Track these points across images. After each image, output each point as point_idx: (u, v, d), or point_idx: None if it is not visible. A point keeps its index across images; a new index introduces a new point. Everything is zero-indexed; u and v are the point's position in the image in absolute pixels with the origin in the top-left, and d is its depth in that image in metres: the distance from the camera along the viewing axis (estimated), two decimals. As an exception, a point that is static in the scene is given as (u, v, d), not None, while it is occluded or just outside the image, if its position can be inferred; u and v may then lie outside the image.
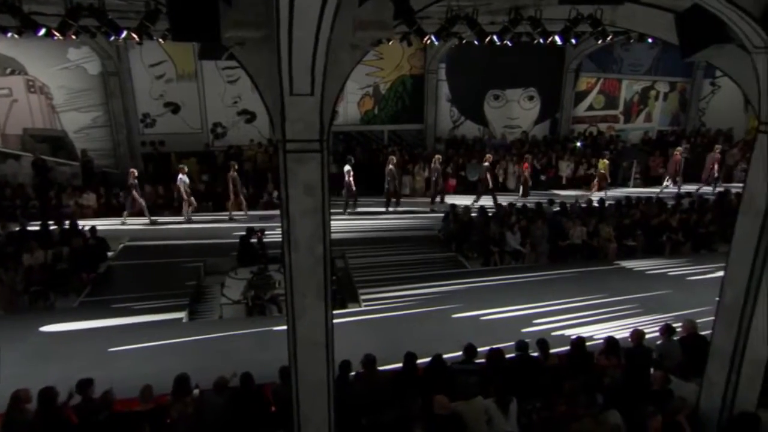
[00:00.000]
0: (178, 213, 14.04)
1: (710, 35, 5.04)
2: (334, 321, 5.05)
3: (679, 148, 16.30)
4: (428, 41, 10.72)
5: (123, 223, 13.48)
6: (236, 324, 9.11)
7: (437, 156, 15.41)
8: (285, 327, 4.87)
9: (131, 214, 13.59)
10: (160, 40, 11.79)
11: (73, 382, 5.88)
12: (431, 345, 7.36)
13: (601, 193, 15.47)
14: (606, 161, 16.24)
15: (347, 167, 14.37)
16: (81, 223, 12.05)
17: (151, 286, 10.12)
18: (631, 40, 15.43)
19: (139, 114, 16.48)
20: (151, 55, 15.98)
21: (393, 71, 17.99)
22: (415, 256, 11.94)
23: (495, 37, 9.85)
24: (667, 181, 16.03)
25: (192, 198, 13.81)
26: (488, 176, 14.92)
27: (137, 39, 9.38)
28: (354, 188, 14.36)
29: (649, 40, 15.36)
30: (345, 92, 17.58)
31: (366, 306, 9.69)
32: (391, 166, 14.54)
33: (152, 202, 14.48)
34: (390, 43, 13.42)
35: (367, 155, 17.36)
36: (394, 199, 14.92)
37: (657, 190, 15.85)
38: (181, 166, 13.97)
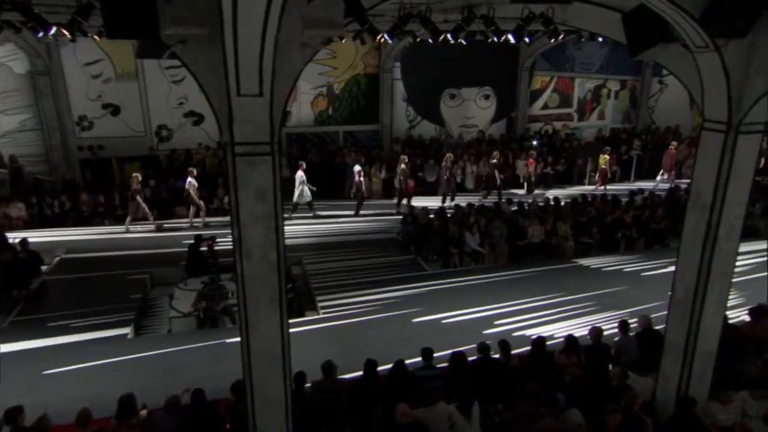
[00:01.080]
0: (121, 222, 13.52)
1: (655, 34, 5.30)
2: (291, 330, 5.00)
3: (674, 143, 17.37)
4: (382, 40, 10.78)
5: (127, 231, 13.20)
6: (187, 338, 8.84)
7: (403, 157, 15.52)
8: (239, 339, 4.77)
9: (134, 221, 13.40)
10: (95, 37, 11.31)
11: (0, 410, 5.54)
12: (392, 351, 7.39)
13: (602, 189, 16.24)
14: (606, 156, 17.01)
15: (357, 167, 14.87)
16: (10, 235, 11.39)
17: (91, 302, 9.67)
18: (583, 39, 16.05)
19: (74, 116, 15.74)
20: (87, 53, 15.31)
21: (347, 70, 17.97)
22: (373, 260, 11.96)
23: (449, 36, 10.01)
24: (662, 175, 17.03)
25: (201, 202, 13.60)
26: (495, 172, 15.82)
27: (69, 36, 8.95)
28: (363, 189, 14.81)
29: (600, 39, 16.00)
30: (297, 92, 17.46)
31: (324, 313, 9.62)
32: (403, 165, 14.98)
33: (92, 211, 13.87)
34: (343, 41, 13.42)
35: (322, 157, 17.26)
36: (405, 199, 15.23)
37: (652, 184, 16.61)
38: (190, 168, 13.76)
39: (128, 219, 13.33)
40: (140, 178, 13.36)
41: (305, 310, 9.91)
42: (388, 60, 17.83)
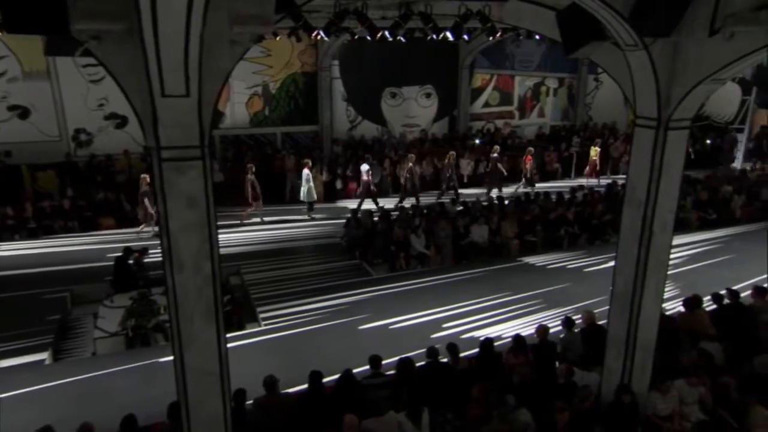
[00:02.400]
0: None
1: (588, 32, 5.58)
2: (230, 345, 4.88)
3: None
4: (318, 37, 10.73)
5: (139, 233, 13.14)
6: (115, 359, 8.42)
7: (411, 155, 16.03)
8: (173, 357, 4.60)
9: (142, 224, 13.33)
10: (-3, 31, 10.60)
11: None
12: (339, 360, 7.38)
13: (594, 181, 17.03)
14: (597, 149, 17.79)
15: (366, 166, 15.10)
16: None
17: (1, 326, 9.02)
18: (521, 37, 16.69)
19: (-27, 120, 14.66)
20: (-13, 49, 14.31)
21: (283, 69, 17.77)
22: (317, 267, 11.88)
23: (387, 33, 10.11)
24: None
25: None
26: (498, 166, 16.62)
27: (-37, 30, 8.32)
28: (374, 188, 15.20)
29: (537, 37, 16.66)
30: (230, 92, 17.08)
31: (266, 325, 9.45)
32: (410, 164, 15.56)
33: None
34: (277, 38, 13.24)
35: (260, 160, 16.93)
36: (412, 197, 15.72)
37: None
38: (249, 165, 14.00)
39: (142, 226, 13.25)
40: (148, 179, 12.91)
41: (245, 322, 9.69)
42: (325, 58, 17.77)
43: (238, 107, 17.52)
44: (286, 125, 18.25)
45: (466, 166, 17.75)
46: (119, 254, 10.53)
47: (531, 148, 17.71)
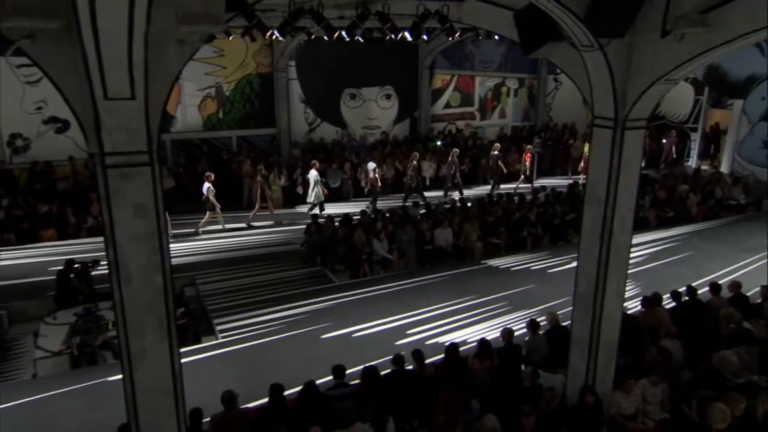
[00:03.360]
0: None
1: (546, 33, 5.73)
2: (185, 360, 4.79)
3: (529, 146, 18.49)
4: (273, 37, 10.63)
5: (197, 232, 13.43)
6: (58, 381, 8.07)
7: (414, 153, 16.51)
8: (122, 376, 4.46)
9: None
10: None
11: None
12: (301, 372, 7.32)
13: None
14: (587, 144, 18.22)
15: (372, 164, 15.74)
16: None
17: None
18: (480, 37, 16.94)
19: None
20: None
21: (237, 70, 17.51)
22: (276, 275, 11.74)
23: (344, 33, 10.11)
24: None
25: (219, 209, 14.00)
26: (499, 164, 17.27)
27: None
28: (379, 185, 15.85)
29: (496, 37, 16.99)
30: (181, 94, 16.72)
31: (223, 338, 9.27)
32: (415, 162, 16.22)
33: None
34: (230, 38, 13.03)
35: (215, 165, 16.61)
36: (416, 194, 16.38)
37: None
38: (207, 174, 14.03)
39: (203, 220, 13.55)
40: None
41: (201, 335, 9.48)
42: (281, 59, 17.62)
43: (190, 110, 17.15)
44: (241, 128, 17.99)
45: (428, 169, 17.88)
46: (62, 267, 10.12)
47: (530, 146, 18.39)
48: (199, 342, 9.23)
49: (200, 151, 17.06)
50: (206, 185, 13.74)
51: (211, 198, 13.77)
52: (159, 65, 3.91)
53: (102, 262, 10.19)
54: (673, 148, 20.00)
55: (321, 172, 16.71)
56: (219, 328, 9.53)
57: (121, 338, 4.41)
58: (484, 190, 17.77)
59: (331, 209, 15.08)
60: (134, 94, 3.79)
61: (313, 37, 13.50)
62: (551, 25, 5.59)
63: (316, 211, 14.83)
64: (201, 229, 13.92)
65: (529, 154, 17.87)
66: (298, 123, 18.79)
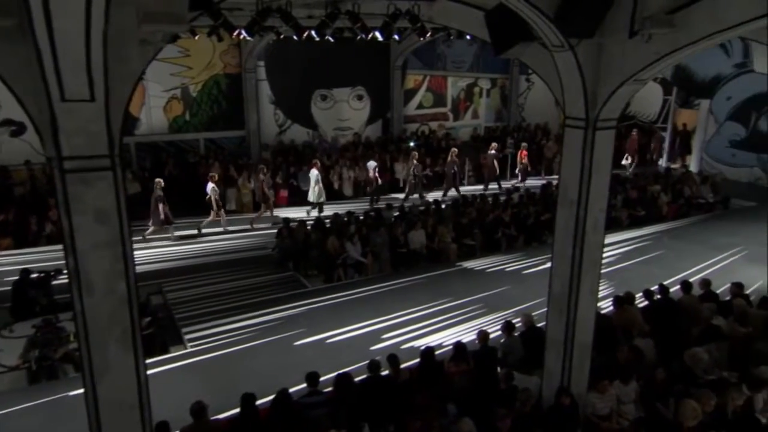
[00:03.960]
0: None
1: (517, 33, 5.80)
2: (151, 372, 4.69)
3: (524, 144, 19.28)
4: (240, 36, 10.52)
5: (144, 239, 13.12)
6: (15, 397, 7.78)
7: (414, 153, 17.04)
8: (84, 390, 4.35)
9: (154, 232, 13.50)
10: None
11: None
12: (273, 380, 7.27)
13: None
14: None
15: (373, 163, 16.31)
16: None
17: None
18: (452, 37, 17.10)
19: None
20: None
21: (204, 70, 17.29)
22: (247, 281, 11.60)
23: (313, 33, 10.07)
24: (626, 160, 19.50)
25: (222, 210, 14.27)
26: (495, 163, 17.90)
27: None
28: (380, 182, 16.43)
29: (468, 37, 17.16)
30: (145, 95, 16.43)
31: (192, 347, 9.10)
32: (414, 161, 16.64)
33: None
34: (196, 37, 12.86)
35: (182, 169, 16.35)
36: (417, 194, 16.81)
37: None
38: (211, 174, 14.32)
39: (150, 230, 13.39)
40: (162, 184, 13.45)
41: (169, 345, 9.28)
42: (250, 59, 17.47)
43: (155, 112, 16.86)
44: (209, 130, 17.77)
45: (402, 171, 17.93)
46: (18, 277, 9.81)
47: (525, 143, 18.94)
48: (166, 352, 9.04)
49: (166, 154, 16.76)
50: (210, 185, 14.00)
51: (215, 198, 13.98)
52: (120, 65, 3.84)
53: (64, 271, 9.93)
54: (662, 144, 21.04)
55: (293, 175, 16.68)
56: (188, 337, 9.36)
57: (82, 350, 4.30)
58: (476, 189, 17.93)
59: (304, 212, 14.99)
60: (94, 96, 3.71)
61: (282, 36, 13.43)
62: (522, 26, 5.67)
63: (315, 212, 15.10)
64: (203, 230, 14.16)
65: (524, 151, 18.33)
66: (268, 125, 18.66)
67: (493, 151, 18.05)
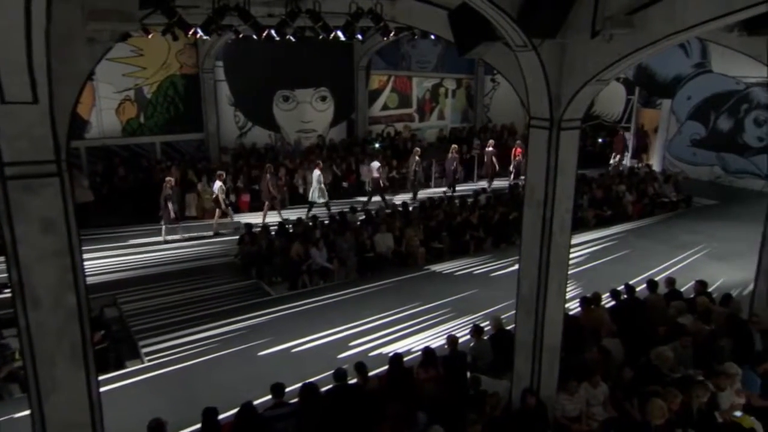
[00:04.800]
0: None
1: (480, 33, 5.87)
2: (105, 389, 4.58)
3: (625, 132, 20.29)
4: (197, 35, 10.34)
5: (165, 242, 13.64)
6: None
7: (416, 149, 17.64)
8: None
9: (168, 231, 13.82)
10: None
11: None
12: (237, 393, 7.15)
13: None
14: None
15: (376, 163, 16.70)
16: None
17: None
18: (416, 37, 17.21)
19: None
20: None
21: (159, 71, 16.97)
22: (208, 290, 11.40)
23: (273, 32, 9.96)
24: (614, 159, 20.36)
25: (230, 208, 14.82)
26: (493, 159, 18.51)
27: None
28: (385, 183, 16.91)
29: (432, 37, 17.30)
30: (95, 97, 16.01)
31: (150, 361, 8.88)
32: (417, 158, 17.22)
33: None
34: (149, 36, 12.57)
35: (136, 174, 15.95)
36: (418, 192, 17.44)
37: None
38: (219, 172, 14.75)
39: (164, 229, 13.74)
40: (173, 183, 13.76)
41: (125, 360, 9.04)
42: (208, 59, 17.22)
43: (106, 114, 16.44)
44: (165, 134, 17.44)
45: (367, 173, 17.89)
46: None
47: (519, 141, 19.43)
48: (122, 367, 8.80)
49: (118, 159, 16.34)
50: (217, 184, 14.35)
51: (221, 197, 14.33)
52: (65, 65, 3.73)
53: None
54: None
55: (255, 179, 16.48)
56: (145, 350, 9.13)
57: (28, 368, 4.15)
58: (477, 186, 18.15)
59: (268, 218, 14.82)
60: (37, 98, 3.59)
61: (241, 36, 13.26)
62: (486, 25, 5.73)
63: (315, 211, 15.48)
64: (217, 230, 14.54)
65: (519, 149, 18.79)
66: (228, 127, 18.43)
67: (491, 148, 18.55)
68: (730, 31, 7.52)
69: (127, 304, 10.59)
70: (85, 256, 4.42)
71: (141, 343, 9.34)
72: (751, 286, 9.44)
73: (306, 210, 15.59)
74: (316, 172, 15.43)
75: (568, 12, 5.24)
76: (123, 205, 15.25)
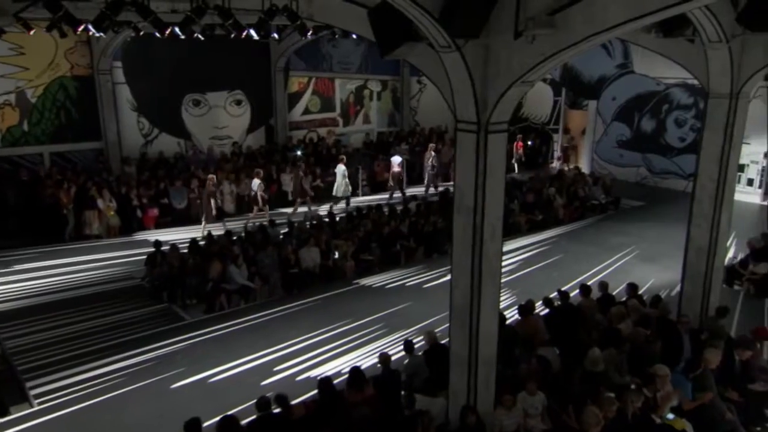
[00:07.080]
0: None
1: (402, 33, 5.93)
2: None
3: (520, 135, 20.91)
4: (89, 32, 9.83)
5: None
6: None
7: (431, 144, 19.29)
8: None
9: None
10: None
11: None
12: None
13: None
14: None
15: (398, 158, 18.39)
16: None
17: None
18: (336, 36, 17.25)
19: None
20: None
21: (45, 72, 16.08)
22: (111, 318, 10.85)
23: (177, 29, 9.67)
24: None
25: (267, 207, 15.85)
26: (432, 162, 19.00)
27: None
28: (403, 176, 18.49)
29: (354, 36, 17.41)
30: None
31: (41, 404, 8.28)
32: (433, 153, 18.79)
33: None
34: (31, 32, 11.78)
35: (20, 190, 14.93)
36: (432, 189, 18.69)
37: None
38: (257, 170, 15.95)
39: (204, 224, 14.78)
40: (215, 180, 15.30)
41: (9, 405, 8.38)
42: (103, 59, 16.46)
43: (-20, 121, 15.37)
44: (55, 143, 16.52)
45: (289, 182, 17.66)
46: None
47: (520, 135, 20.32)
48: (6, 414, 8.15)
49: None
50: (255, 181, 15.46)
51: (260, 194, 15.40)
52: None
53: None
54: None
55: (163, 192, 15.90)
56: (34, 392, 8.52)
57: None
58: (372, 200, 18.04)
59: (181, 234, 14.31)
60: None
61: (141, 33, 12.80)
62: (407, 25, 5.80)
63: (342, 204, 17.06)
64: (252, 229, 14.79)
65: (520, 143, 19.57)
66: (131, 135, 17.75)
67: (432, 153, 19.09)
68: (648, 33, 8.04)
69: (12, 340, 9.90)
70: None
71: (29, 384, 8.72)
72: (678, 287, 10.07)
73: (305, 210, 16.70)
74: (340, 167, 16.83)
75: (490, 12, 5.38)
76: (4, 224, 14.26)
